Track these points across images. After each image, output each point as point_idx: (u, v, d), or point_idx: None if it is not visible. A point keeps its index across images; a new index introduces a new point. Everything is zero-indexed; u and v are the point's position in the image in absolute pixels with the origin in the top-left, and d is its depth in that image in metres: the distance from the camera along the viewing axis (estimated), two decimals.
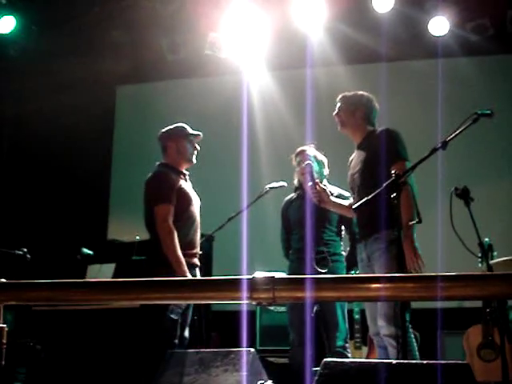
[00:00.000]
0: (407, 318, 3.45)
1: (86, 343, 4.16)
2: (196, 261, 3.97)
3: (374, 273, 3.58)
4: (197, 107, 7.07)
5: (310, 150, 4.58)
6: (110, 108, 7.67)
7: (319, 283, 1.42)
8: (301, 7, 6.31)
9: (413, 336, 3.53)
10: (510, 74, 6.77)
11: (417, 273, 3.35)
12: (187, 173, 4.10)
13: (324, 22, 6.51)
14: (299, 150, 4.64)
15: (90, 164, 7.16)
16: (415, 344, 3.54)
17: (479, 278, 1.37)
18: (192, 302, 3.66)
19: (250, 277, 1.41)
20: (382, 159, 3.53)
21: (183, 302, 3.62)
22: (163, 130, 4.14)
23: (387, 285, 1.38)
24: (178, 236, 3.80)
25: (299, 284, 1.42)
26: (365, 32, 6.55)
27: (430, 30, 6.50)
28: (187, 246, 3.87)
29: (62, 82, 6.87)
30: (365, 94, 3.95)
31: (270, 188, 4.63)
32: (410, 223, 3.37)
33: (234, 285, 1.42)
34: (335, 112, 3.94)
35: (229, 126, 6.80)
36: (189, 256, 3.85)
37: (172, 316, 3.73)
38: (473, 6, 6.33)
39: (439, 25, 6.44)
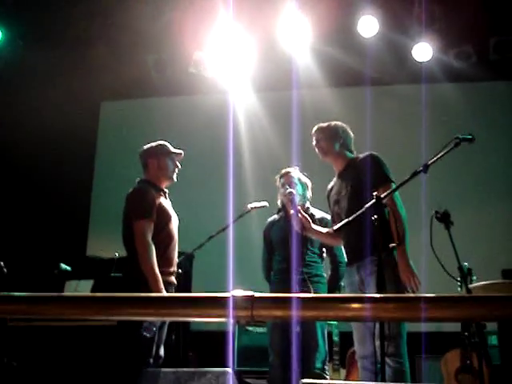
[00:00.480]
0: (404, 336, 3.47)
1: (61, 360, 4.09)
2: (172, 279, 3.92)
3: None
4: (181, 125, 7.08)
5: (295, 172, 4.59)
6: (93, 124, 7.65)
7: (299, 302, 1.40)
8: (287, 29, 6.36)
9: (407, 358, 3.52)
10: (493, 100, 6.86)
11: (413, 292, 3.38)
12: (167, 190, 4.08)
13: (310, 44, 6.57)
14: (284, 171, 4.65)
15: (72, 179, 7.11)
16: (408, 366, 3.53)
17: (459, 300, 1.37)
18: (168, 319, 3.61)
19: (229, 294, 1.39)
20: (370, 183, 3.57)
21: (159, 319, 3.57)
22: (144, 148, 4.13)
23: (367, 305, 1.37)
24: (156, 253, 3.76)
25: (278, 303, 1.40)
26: (350, 56, 6.63)
27: (413, 56, 6.58)
28: (164, 263, 3.82)
29: (45, 96, 6.84)
30: (338, 123, 4.03)
31: (252, 207, 4.61)
32: (391, 245, 3.39)
33: (212, 302, 1.40)
34: (315, 142, 3.99)
35: (213, 145, 6.80)
36: (165, 274, 3.80)
37: (145, 334, 3.67)
38: (456, 33, 6.42)
39: (423, 51, 6.53)
